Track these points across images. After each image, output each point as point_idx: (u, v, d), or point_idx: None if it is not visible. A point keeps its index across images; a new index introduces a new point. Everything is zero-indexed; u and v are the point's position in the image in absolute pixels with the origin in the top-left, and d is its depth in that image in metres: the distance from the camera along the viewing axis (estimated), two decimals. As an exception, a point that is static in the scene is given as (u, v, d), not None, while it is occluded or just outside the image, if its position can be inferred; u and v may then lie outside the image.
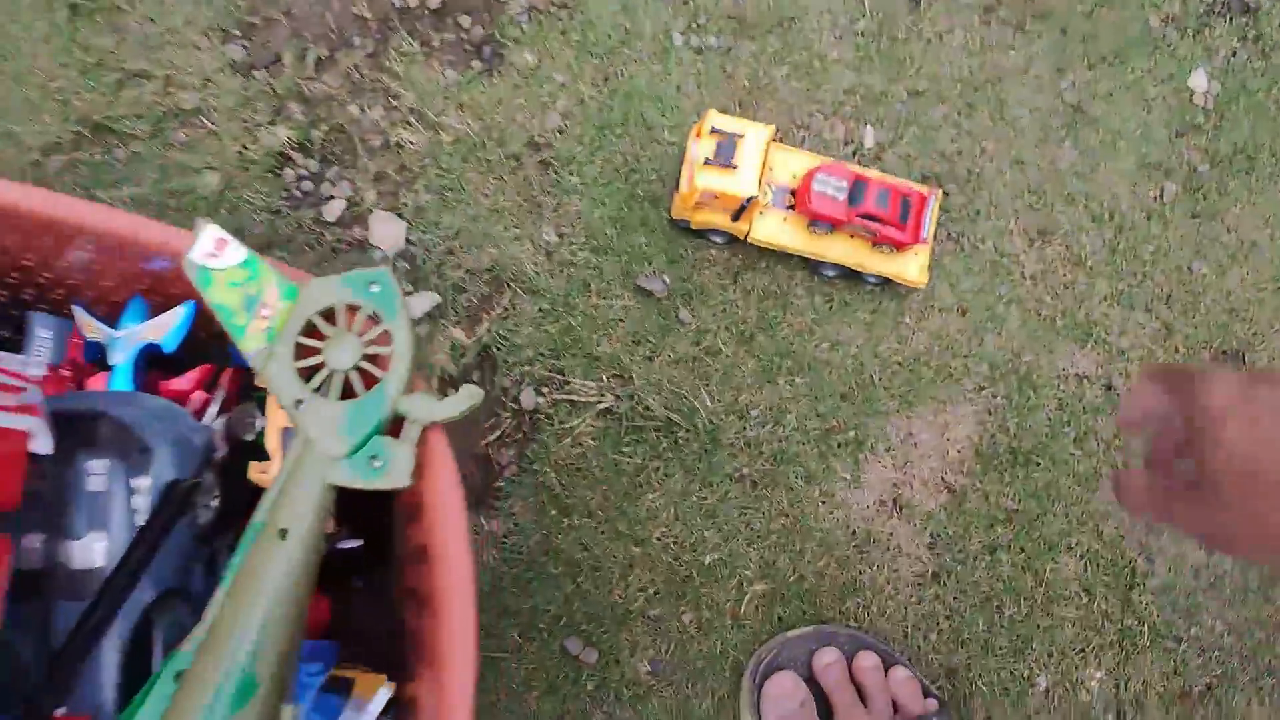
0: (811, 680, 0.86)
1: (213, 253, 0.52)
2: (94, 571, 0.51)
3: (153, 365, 0.59)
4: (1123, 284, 0.98)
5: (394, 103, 0.92)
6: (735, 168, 0.81)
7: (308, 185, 0.89)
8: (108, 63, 0.87)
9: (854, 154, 0.96)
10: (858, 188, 0.85)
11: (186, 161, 0.87)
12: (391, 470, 0.51)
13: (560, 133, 0.93)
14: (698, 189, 0.82)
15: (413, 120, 0.91)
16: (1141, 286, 0.98)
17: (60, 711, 0.50)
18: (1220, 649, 0.94)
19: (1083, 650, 0.93)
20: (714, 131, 0.83)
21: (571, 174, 0.92)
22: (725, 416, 0.91)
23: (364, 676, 0.61)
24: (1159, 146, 1.01)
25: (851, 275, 0.92)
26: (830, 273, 0.90)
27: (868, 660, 0.86)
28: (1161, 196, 1.00)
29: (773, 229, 0.87)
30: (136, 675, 0.51)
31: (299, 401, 0.51)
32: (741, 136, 0.82)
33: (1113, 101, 1.02)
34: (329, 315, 0.53)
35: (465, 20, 0.95)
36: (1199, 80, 1.05)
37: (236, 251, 0.53)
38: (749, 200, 0.82)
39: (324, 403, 0.52)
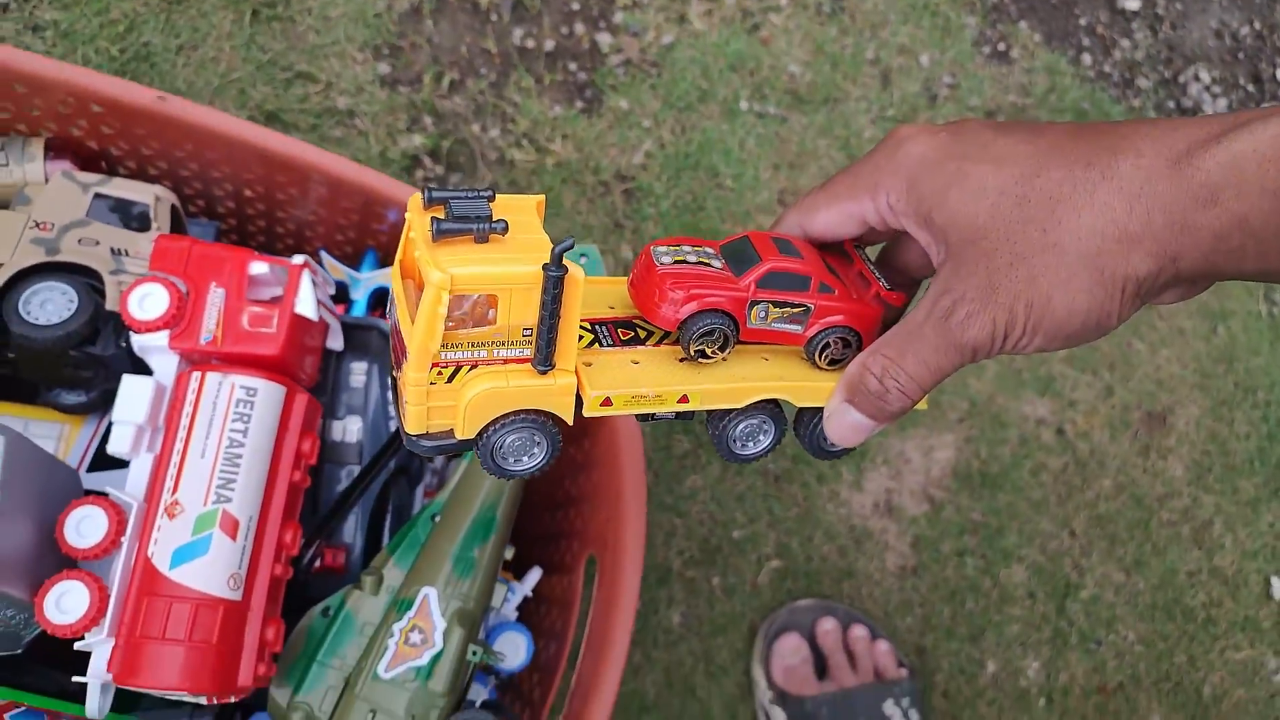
0: (813, 642, 1.03)
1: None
2: (351, 444, 0.66)
3: (378, 304, 0.75)
4: (1077, 350, 1.20)
5: (510, 126, 1.09)
6: (499, 230, 0.35)
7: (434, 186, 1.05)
8: (279, 62, 1.03)
9: (875, 218, 1.17)
10: (738, 248, 0.41)
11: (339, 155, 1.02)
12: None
13: (643, 169, 1.12)
14: (433, 309, 0.34)
15: (524, 142, 1.09)
16: (1091, 354, 1.21)
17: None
18: (1131, 654, 1.15)
19: (1024, 644, 1.12)
20: (433, 201, 0.35)
21: (649, 205, 1.11)
22: (758, 419, 1.09)
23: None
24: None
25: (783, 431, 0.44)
26: (751, 445, 0.43)
27: (859, 631, 1.04)
28: (1112, 284, 1.23)
29: (617, 374, 0.39)
30: (372, 527, 0.66)
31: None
32: (490, 195, 0.35)
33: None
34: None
35: (573, 65, 1.13)
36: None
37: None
38: (555, 288, 0.34)
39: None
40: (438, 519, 0.62)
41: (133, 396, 0.56)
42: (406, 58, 1.08)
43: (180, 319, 0.57)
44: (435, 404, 0.35)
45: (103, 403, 0.68)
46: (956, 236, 0.36)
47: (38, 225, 0.62)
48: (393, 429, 0.68)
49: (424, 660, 0.58)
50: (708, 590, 1.04)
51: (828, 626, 1.03)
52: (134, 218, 0.65)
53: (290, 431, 0.58)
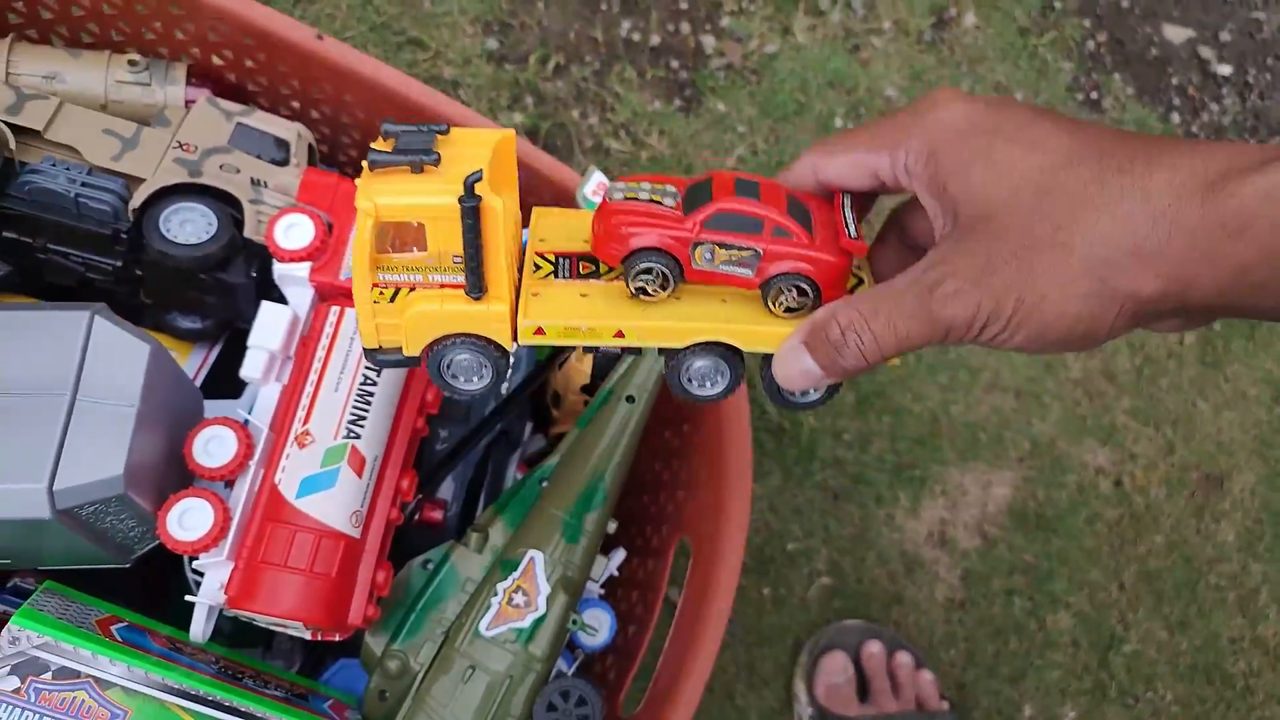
0: (856, 664, 1.02)
1: (596, 191, 0.69)
2: (458, 402, 0.66)
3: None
4: (1142, 402, 1.20)
5: (609, 116, 1.09)
6: (433, 160, 0.36)
7: (529, 165, 1.05)
8: (392, 26, 1.03)
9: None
10: (699, 187, 0.40)
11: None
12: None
13: (734, 174, 1.12)
14: (362, 236, 0.36)
15: (621, 133, 1.09)
16: (1156, 408, 1.20)
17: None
18: (1168, 714, 1.14)
19: (1063, 691, 1.11)
20: (387, 135, 0.37)
21: (737, 209, 1.11)
22: (823, 434, 1.08)
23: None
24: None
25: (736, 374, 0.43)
26: (708, 386, 0.42)
27: (904, 658, 1.03)
28: (1181, 341, 1.23)
29: (560, 305, 0.40)
30: (472, 486, 0.66)
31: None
32: (443, 130, 0.37)
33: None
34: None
35: (675, 63, 1.14)
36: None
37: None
38: (471, 218, 0.36)
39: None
40: (545, 484, 0.61)
41: (270, 323, 0.55)
42: (515, 36, 1.08)
43: (323, 252, 0.57)
44: (382, 321, 0.39)
45: (216, 332, 0.67)
46: (967, 212, 0.34)
47: (181, 146, 0.62)
48: (504, 392, 0.67)
49: (526, 623, 0.57)
50: (757, 599, 1.04)
51: (873, 650, 1.02)
52: (274, 152, 0.65)
53: (418, 377, 0.58)
